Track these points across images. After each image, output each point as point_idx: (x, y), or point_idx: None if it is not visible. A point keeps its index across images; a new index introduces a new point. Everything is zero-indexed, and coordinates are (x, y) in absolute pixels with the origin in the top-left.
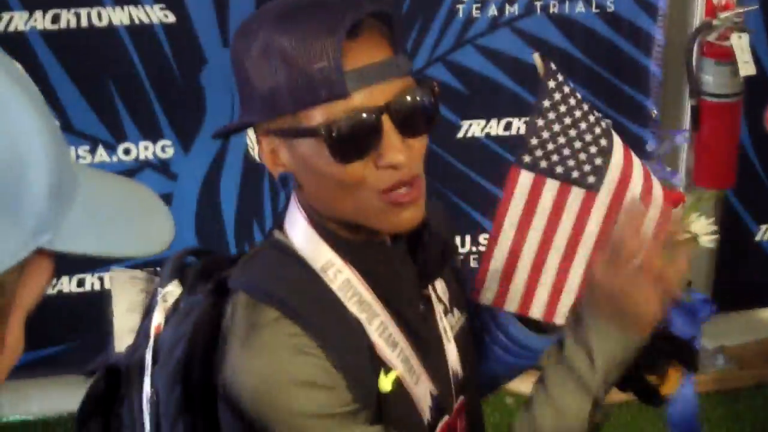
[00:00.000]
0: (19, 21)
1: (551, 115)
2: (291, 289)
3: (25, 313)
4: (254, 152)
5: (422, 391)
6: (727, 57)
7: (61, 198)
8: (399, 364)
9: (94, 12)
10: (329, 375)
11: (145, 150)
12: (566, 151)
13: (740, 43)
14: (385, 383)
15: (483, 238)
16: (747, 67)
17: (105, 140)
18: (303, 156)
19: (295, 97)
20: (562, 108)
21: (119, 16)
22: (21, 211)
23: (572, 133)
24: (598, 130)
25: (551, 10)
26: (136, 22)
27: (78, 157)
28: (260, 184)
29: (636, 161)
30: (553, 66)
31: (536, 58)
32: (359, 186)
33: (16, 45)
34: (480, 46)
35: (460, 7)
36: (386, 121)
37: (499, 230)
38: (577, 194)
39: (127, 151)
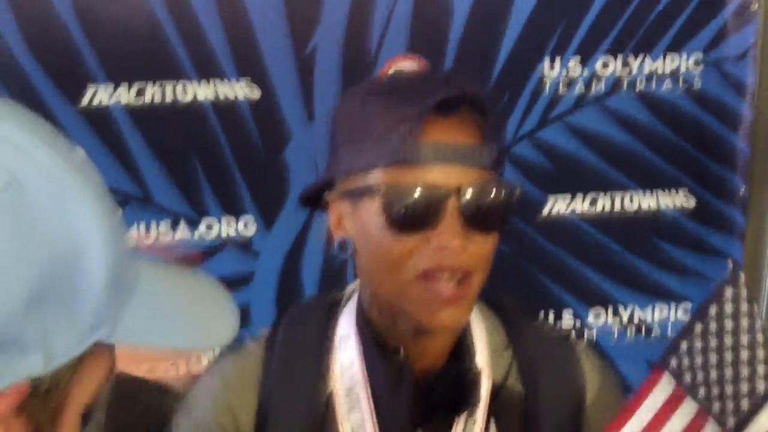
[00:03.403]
0: (103, 95)
1: (713, 327)
2: (293, 340)
3: (79, 411)
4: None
5: None
6: None
7: (120, 291)
8: None
9: (179, 87)
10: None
11: (227, 226)
12: (714, 375)
13: None
14: None
15: (567, 316)
16: None
17: (187, 215)
18: (362, 220)
19: (370, 156)
20: (729, 324)
21: (204, 91)
22: (78, 305)
23: (728, 357)
24: (761, 369)
25: (638, 88)
26: (221, 97)
27: (159, 233)
28: (343, 263)
29: None
30: (742, 277)
31: (729, 263)
32: (401, 265)
33: (100, 119)
34: (566, 124)
35: (547, 83)
36: (452, 204)
37: (623, 423)
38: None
39: (209, 227)
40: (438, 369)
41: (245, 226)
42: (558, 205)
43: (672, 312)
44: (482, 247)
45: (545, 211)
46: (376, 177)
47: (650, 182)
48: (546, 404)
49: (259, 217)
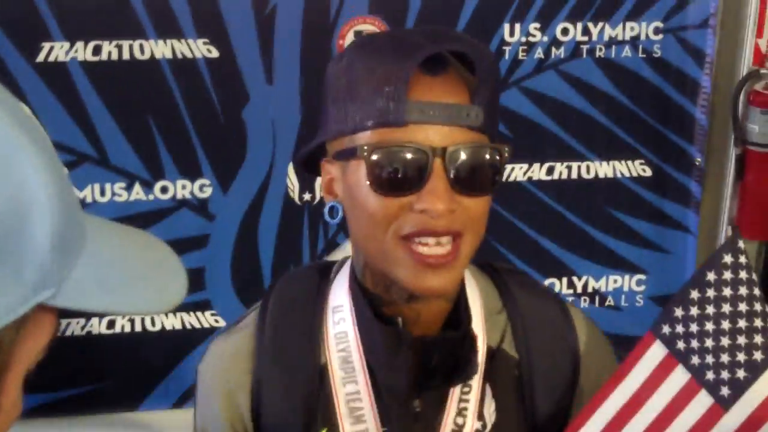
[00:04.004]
0: (59, 51)
1: (710, 293)
2: (284, 311)
3: (23, 372)
4: (294, 193)
5: None
6: None
7: (65, 251)
8: None
9: (136, 44)
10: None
11: (182, 189)
12: (709, 343)
13: None
14: None
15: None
16: None
17: (142, 177)
18: (350, 183)
19: (357, 118)
20: (727, 291)
21: (162, 50)
22: (22, 265)
23: (725, 325)
24: (758, 339)
25: (597, 54)
26: (179, 56)
27: (114, 194)
28: (299, 226)
29: None
30: (741, 243)
31: (728, 229)
32: (386, 227)
33: (57, 76)
34: (525, 89)
35: (507, 49)
36: (438, 165)
37: (609, 392)
38: (702, 401)
39: (164, 189)
40: (433, 335)
41: (201, 189)
42: (515, 173)
43: (626, 282)
44: (471, 209)
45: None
46: (362, 139)
47: (607, 151)
48: (540, 367)
49: (215, 180)
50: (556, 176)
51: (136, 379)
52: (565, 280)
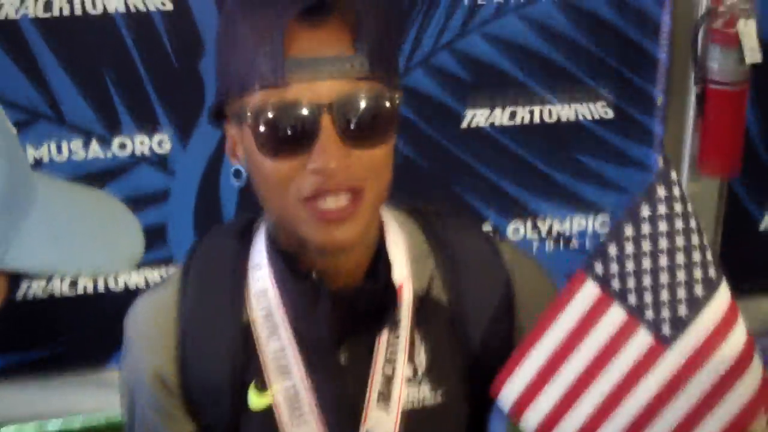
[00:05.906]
0: (9, 8)
1: (646, 229)
2: (207, 270)
3: None
4: None
5: None
6: (733, 43)
7: (12, 213)
8: (280, 394)
9: None
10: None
11: (141, 144)
12: (647, 281)
13: (746, 30)
14: (256, 400)
15: (486, 229)
16: (753, 54)
17: (99, 134)
18: (246, 146)
19: (241, 80)
20: (663, 226)
21: (114, 3)
22: None
23: (663, 262)
24: (698, 274)
25: None
26: (132, 9)
27: (71, 152)
28: None
29: (740, 329)
30: (674, 175)
31: (660, 160)
32: (284, 189)
33: (7, 33)
34: (485, 34)
35: None
36: (326, 122)
37: (542, 332)
38: (643, 338)
39: (122, 146)
40: (352, 287)
41: (160, 144)
42: (477, 119)
43: (590, 223)
44: (369, 161)
45: (464, 124)
46: (248, 102)
47: (569, 93)
48: (472, 308)
49: (174, 134)
50: (518, 121)
51: (101, 338)
52: (529, 223)
